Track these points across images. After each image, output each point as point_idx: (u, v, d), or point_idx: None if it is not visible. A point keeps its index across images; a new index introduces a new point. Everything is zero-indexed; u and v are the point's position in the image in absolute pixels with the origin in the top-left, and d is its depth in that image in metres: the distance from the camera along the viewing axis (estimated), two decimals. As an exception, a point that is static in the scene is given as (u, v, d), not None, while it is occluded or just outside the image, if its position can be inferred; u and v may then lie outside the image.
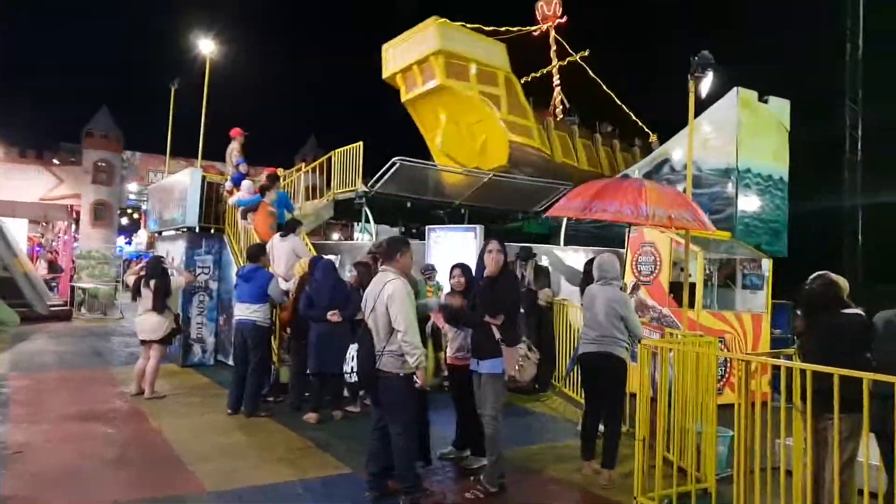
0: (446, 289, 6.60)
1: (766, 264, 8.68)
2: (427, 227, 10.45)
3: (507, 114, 14.06)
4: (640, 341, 5.07)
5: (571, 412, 7.09)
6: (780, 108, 9.41)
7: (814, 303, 4.16)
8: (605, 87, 18.01)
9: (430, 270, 8.44)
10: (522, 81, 16.79)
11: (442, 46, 13.39)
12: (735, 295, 8.96)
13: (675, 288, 7.93)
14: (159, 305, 7.24)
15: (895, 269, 9.62)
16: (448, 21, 13.66)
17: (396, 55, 14.55)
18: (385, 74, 14.93)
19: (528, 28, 17.78)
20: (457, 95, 13.94)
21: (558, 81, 18.07)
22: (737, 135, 8.64)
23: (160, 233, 12.16)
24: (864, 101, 13.96)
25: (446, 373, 5.49)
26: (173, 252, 10.39)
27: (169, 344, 7.65)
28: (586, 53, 17.92)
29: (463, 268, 5.15)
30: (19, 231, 18.36)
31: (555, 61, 18.01)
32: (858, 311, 4.05)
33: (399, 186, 12.03)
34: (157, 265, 7.60)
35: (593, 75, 17.93)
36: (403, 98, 14.99)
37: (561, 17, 17.98)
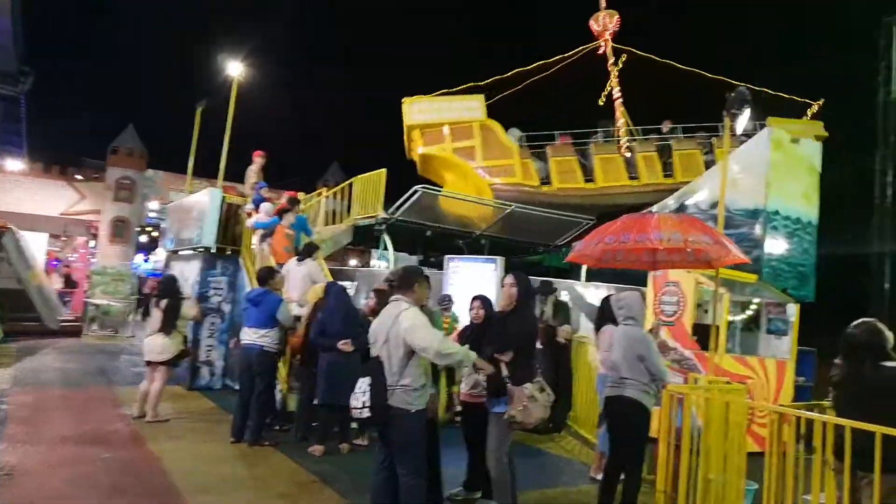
0: (463, 320, 6.41)
1: (793, 309, 8.38)
2: (446, 257, 10.29)
3: (482, 160, 15.14)
4: (664, 385, 4.82)
5: (586, 454, 6.80)
6: (811, 149, 9.21)
7: (856, 351, 3.90)
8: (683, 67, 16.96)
9: (446, 301, 8.26)
10: (600, 102, 17.29)
11: (409, 122, 15.45)
12: (758, 339, 8.63)
13: (698, 329, 7.66)
14: (168, 326, 7.11)
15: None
16: (419, 97, 15.55)
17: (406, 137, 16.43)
18: (407, 156, 16.52)
19: (583, 48, 17.58)
20: (439, 158, 15.38)
21: (619, 94, 17.50)
22: (767, 175, 8.45)
23: (176, 252, 12.14)
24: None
25: (459, 408, 5.29)
26: (188, 272, 10.30)
27: (176, 366, 7.49)
28: (623, 59, 17.40)
29: (483, 300, 5.04)
30: (39, 245, 18.50)
31: (613, 75, 17.65)
32: None
33: (420, 215, 11.96)
34: (169, 285, 7.49)
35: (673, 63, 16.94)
36: (419, 172, 16.26)
37: (615, 28, 17.52)
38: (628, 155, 15.80)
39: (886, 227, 13.30)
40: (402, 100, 15.55)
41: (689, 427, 4.71)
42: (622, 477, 4.87)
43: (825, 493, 3.93)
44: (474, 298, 5.08)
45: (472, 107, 15.55)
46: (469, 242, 13.09)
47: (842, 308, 8.12)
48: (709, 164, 14.42)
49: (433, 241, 12.97)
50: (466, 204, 13.28)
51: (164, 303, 7.14)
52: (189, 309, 7.52)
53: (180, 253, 11.75)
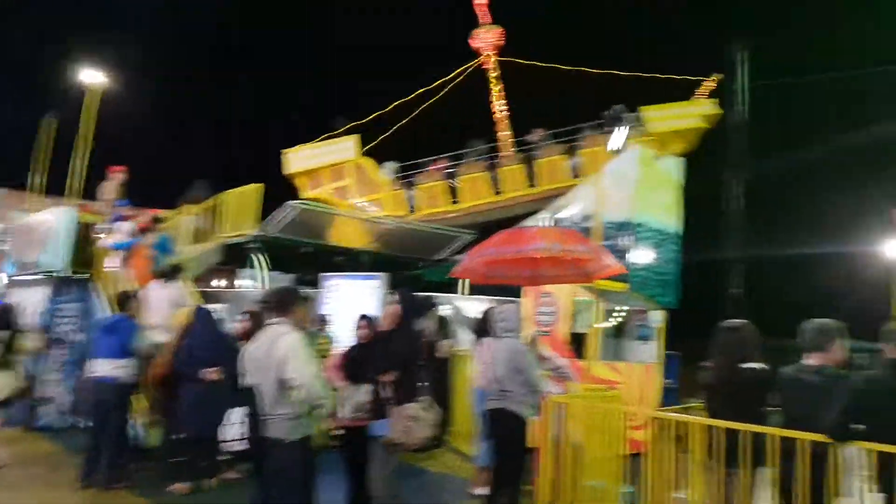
0: (339, 339, 6.21)
1: (658, 316, 8.90)
2: (321, 275, 9.93)
3: (357, 197, 16.20)
4: (542, 396, 4.89)
5: (466, 470, 6.73)
6: (674, 164, 9.95)
7: (724, 352, 4.17)
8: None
9: (321, 321, 7.97)
10: (495, 117, 17.90)
11: (292, 171, 16.44)
12: (627, 345, 9.09)
13: (574, 338, 7.92)
14: (4, 362, 6.24)
15: (777, 322, 10.17)
16: (299, 146, 16.60)
17: None
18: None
19: (465, 67, 17.95)
20: (322, 201, 15.89)
21: (503, 107, 17.83)
22: (635, 189, 8.99)
23: (18, 277, 10.82)
24: (748, 157, 15.10)
25: (339, 432, 5.06)
26: (31, 300, 9.22)
27: (9, 406, 6.56)
28: (497, 74, 17.85)
29: (369, 319, 5.04)
30: None
31: (496, 89, 17.90)
32: (763, 365, 4.09)
33: (296, 232, 11.47)
34: (4, 315, 6.67)
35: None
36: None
37: (498, 41, 17.90)
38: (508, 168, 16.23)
39: (737, 237, 14.63)
40: (282, 151, 16.30)
41: (570, 436, 4.80)
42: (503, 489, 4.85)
43: (696, 490, 4.15)
44: (361, 317, 5.07)
45: (346, 147, 16.45)
46: (349, 259, 12.80)
47: (702, 314, 8.74)
48: (574, 168, 15.05)
49: (310, 259, 12.53)
50: (346, 221, 13.06)
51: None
52: (29, 341, 6.67)
53: (23, 278, 10.50)
